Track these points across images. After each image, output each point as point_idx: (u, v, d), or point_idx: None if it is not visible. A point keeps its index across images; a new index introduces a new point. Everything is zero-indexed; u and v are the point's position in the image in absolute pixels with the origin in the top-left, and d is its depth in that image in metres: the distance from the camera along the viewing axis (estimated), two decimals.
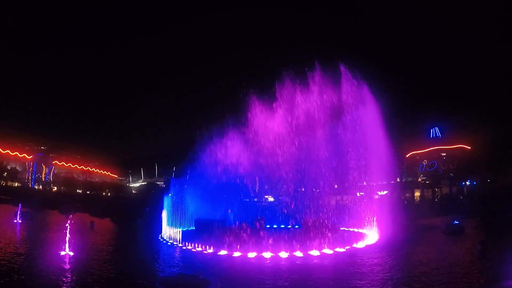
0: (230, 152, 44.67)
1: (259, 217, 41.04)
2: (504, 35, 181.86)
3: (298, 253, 29.44)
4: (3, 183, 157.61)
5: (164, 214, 42.42)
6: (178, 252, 31.39)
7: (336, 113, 40.36)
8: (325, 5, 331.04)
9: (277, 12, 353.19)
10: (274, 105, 40.41)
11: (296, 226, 40.69)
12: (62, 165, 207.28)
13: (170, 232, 40.20)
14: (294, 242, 30.83)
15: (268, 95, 41.03)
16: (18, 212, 50.84)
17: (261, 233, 33.06)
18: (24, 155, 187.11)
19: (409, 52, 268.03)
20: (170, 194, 43.85)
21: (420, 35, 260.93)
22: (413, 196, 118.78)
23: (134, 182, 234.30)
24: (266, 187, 43.91)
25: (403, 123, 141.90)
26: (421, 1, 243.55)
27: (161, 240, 37.67)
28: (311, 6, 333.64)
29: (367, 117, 41.83)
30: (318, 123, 38.91)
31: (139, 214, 64.30)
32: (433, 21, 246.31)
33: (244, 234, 32.57)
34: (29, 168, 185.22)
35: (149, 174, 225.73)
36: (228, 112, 45.36)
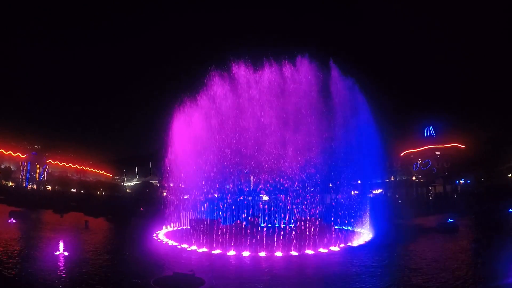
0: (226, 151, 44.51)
1: (253, 216, 41.03)
2: (498, 36, 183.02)
3: (293, 252, 29.53)
4: None
5: (159, 213, 42.38)
6: (173, 251, 31.35)
7: (330, 111, 40.38)
8: (321, 8, 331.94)
9: (270, 12, 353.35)
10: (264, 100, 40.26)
11: (291, 225, 40.74)
12: (56, 164, 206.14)
13: (164, 231, 40.18)
14: (289, 241, 30.88)
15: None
16: (12, 212, 50.59)
17: (256, 232, 33.06)
18: (18, 154, 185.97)
19: (403, 53, 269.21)
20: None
21: (415, 36, 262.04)
22: (407, 194, 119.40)
23: (128, 181, 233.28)
24: (261, 185, 43.76)
25: (397, 122, 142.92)
26: (416, 3, 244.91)
27: (156, 239, 37.63)
28: (308, 8, 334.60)
29: (362, 116, 41.99)
30: (311, 121, 38.87)
31: (134, 213, 64.16)
32: (427, 23, 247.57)
33: (239, 233, 32.57)
34: (23, 168, 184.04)
35: (144, 173, 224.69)
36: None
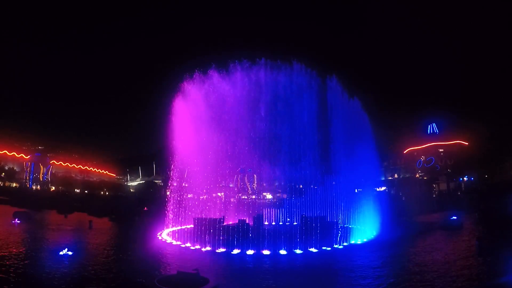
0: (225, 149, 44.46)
1: (257, 214, 41.06)
2: (501, 33, 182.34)
3: (297, 250, 29.53)
4: (0, 183, 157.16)
5: (162, 213, 42.41)
6: (176, 250, 31.38)
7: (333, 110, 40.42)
8: (324, 8, 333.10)
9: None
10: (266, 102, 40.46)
11: (295, 223, 40.71)
12: (59, 164, 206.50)
13: (168, 230, 40.20)
14: (292, 239, 30.86)
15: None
16: (16, 213, 50.78)
17: (259, 230, 33.05)
18: (22, 155, 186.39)
19: (407, 51, 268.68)
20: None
21: (418, 34, 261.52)
22: (411, 192, 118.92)
23: (132, 180, 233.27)
24: (264, 184, 43.82)
25: (401, 120, 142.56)
26: (418, 3, 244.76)
27: (160, 238, 37.66)
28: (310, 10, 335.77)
29: (364, 114, 42.00)
30: (314, 121, 38.93)
31: (138, 213, 64.28)
32: (431, 21, 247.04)
33: (242, 232, 32.56)
34: (26, 168, 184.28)
35: (147, 173, 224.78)
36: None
